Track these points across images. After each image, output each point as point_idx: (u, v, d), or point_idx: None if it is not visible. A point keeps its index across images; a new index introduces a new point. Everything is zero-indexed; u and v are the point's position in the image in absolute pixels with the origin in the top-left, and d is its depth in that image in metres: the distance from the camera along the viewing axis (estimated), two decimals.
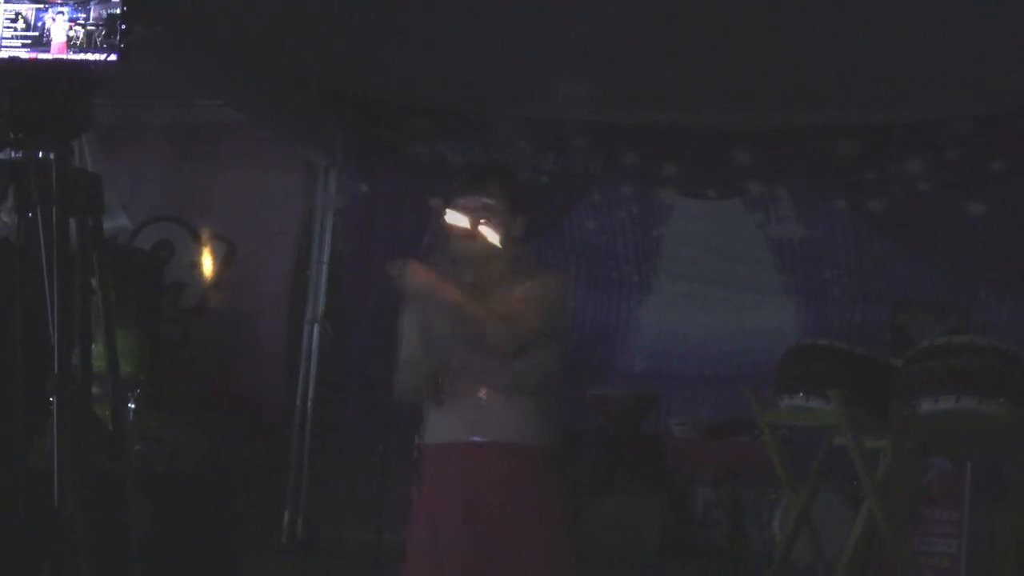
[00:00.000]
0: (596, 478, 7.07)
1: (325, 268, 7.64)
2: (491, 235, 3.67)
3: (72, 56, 2.33)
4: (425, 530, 3.61)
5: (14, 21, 2.32)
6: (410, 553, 3.70)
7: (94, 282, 2.50)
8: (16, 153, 2.33)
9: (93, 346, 2.40)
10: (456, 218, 3.64)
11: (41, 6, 2.34)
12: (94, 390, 2.40)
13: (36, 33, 2.34)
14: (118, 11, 2.35)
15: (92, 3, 2.35)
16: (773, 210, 7.56)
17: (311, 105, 7.47)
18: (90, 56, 2.34)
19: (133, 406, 5.41)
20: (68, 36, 2.33)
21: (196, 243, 7.85)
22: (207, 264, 7.81)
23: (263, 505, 6.91)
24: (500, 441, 3.63)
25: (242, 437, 7.07)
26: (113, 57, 2.34)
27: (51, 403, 2.23)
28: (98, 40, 2.33)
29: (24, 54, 2.33)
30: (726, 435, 7.13)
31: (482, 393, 3.62)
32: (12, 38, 2.31)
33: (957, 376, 5.12)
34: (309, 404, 7.43)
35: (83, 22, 2.34)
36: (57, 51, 2.33)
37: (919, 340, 5.72)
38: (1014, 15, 5.33)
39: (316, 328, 7.57)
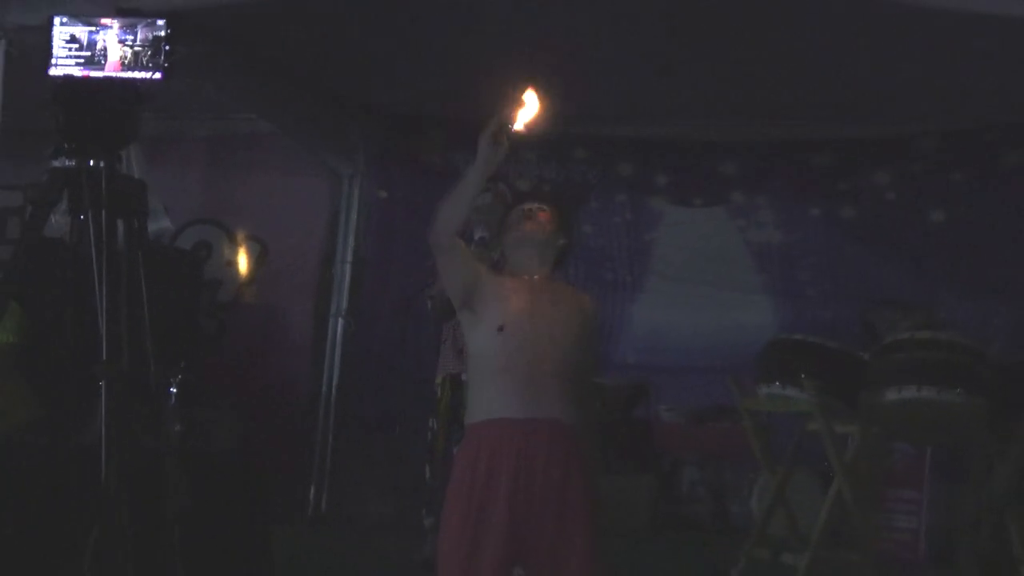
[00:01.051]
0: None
1: (348, 267, 7.61)
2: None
3: (121, 74, 2.33)
4: (468, 503, 3.54)
5: (69, 42, 2.33)
6: (450, 524, 3.69)
7: None
8: (70, 161, 2.34)
9: None
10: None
11: (93, 28, 2.35)
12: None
13: (89, 53, 2.35)
14: (163, 33, 2.36)
15: (140, 25, 2.35)
16: (754, 217, 7.56)
17: (336, 117, 7.47)
18: (137, 74, 2.35)
19: (175, 390, 5.39)
20: (120, 56, 2.33)
21: (232, 243, 7.87)
22: (242, 263, 7.83)
23: (291, 482, 6.90)
24: (556, 419, 3.66)
25: (272, 420, 7.08)
26: (158, 75, 2.35)
27: (100, 388, 2.24)
28: (145, 60, 2.33)
29: (78, 72, 2.34)
30: (710, 421, 7.09)
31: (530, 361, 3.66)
32: (67, 57, 2.31)
33: (919, 368, 5.11)
34: (333, 391, 7.42)
35: (131, 43, 2.34)
36: (109, 69, 2.34)
37: (885, 335, 5.68)
38: (976, 37, 5.28)
39: (340, 322, 7.56)
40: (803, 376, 5.32)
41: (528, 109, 3.73)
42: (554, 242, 3.81)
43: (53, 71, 2.29)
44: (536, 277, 3.77)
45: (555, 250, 3.84)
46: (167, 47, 2.33)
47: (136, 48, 2.36)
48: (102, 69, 2.29)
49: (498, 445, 3.56)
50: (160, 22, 2.32)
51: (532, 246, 3.78)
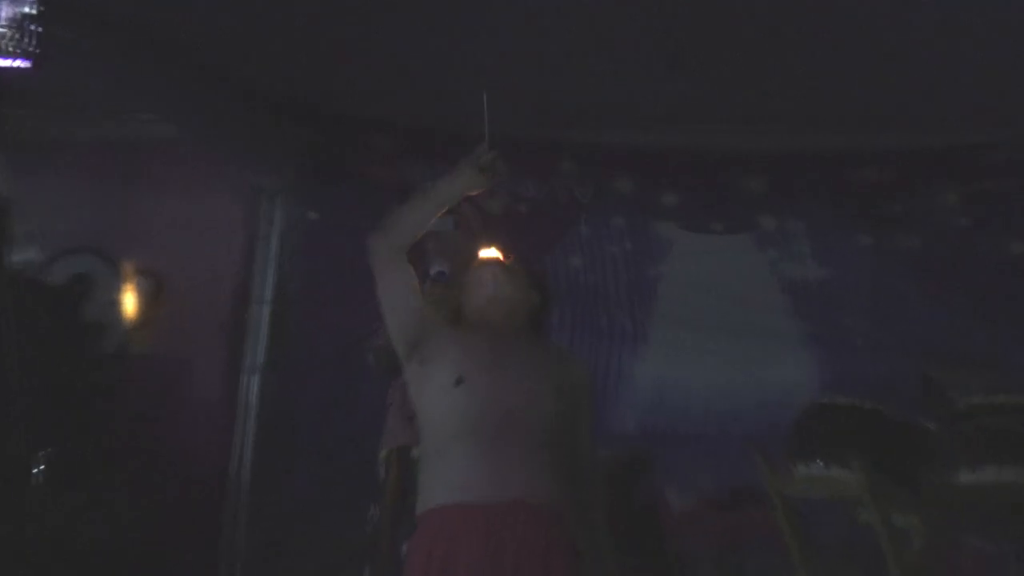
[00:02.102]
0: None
1: (269, 309, 7.66)
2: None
3: None
4: None
5: None
6: None
7: None
8: None
9: None
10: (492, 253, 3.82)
11: None
12: None
13: None
14: (32, 10, 2.34)
15: (1, 3, 2.33)
16: (787, 247, 7.64)
17: (256, 120, 7.47)
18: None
19: (43, 468, 5.36)
20: None
21: (119, 278, 7.82)
22: (131, 303, 7.79)
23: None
24: (532, 501, 3.63)
25: (171, 504, 6.99)
26: (25, 63, 2.32)
27: None
28: (7, 44, 2.30)
29: None
30: (731, 505, 7.12)
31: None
32: None
33: (999, 442, 5.16)
34: (247, 467, 7.41)
35: None
36: None
37: (956, 399, 5.72)
38: None
39: (257, 378, 7.58)
40: (851, 452, 5.35)
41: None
42: (524, 302, 3.85)
43: None
44: (504, 331, 3.79)
45: (526, 308, 3.89)
46: (38, 28, 2.30)
47: None
48: None
49: (458, 539, 3.54)
50: None
51: (496, 312, 3.81)
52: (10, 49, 2.34)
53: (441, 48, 6.39)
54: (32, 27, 2.33)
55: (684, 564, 7.16)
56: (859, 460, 5.33)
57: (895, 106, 6.93)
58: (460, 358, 3.69)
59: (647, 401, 7.60)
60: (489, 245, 4.20)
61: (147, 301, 7.81)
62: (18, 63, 2.28)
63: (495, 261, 3.97)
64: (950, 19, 5.60)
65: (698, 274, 7.65)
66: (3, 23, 2.34)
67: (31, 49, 2.33)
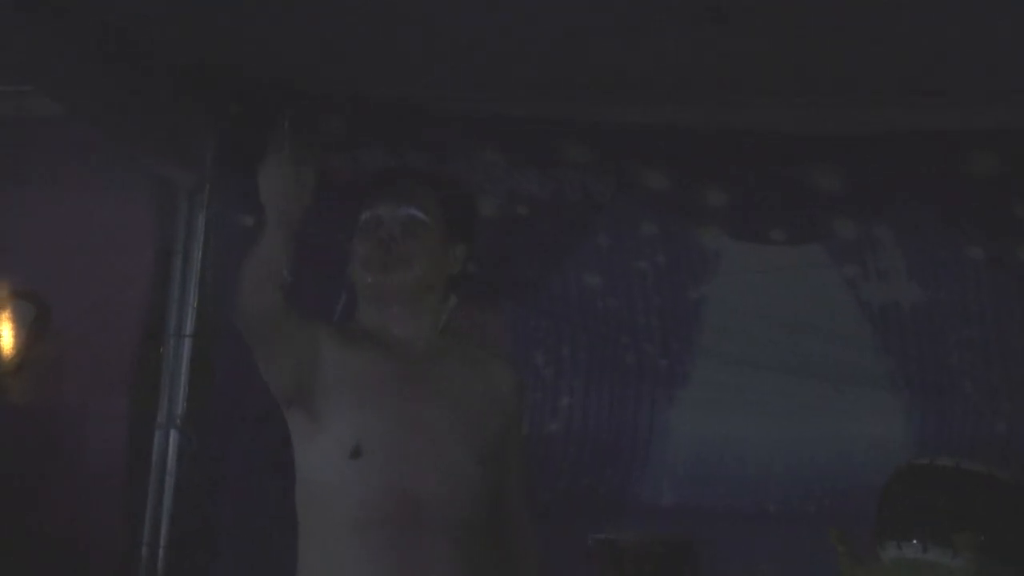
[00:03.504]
0: None
1: (188, 343, 7.69)
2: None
3: None
4: None
5: None
6: None
7: None
8: None
9: None
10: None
11: None
12: None
13: None
14: None
15: None
16: (873, 261, 7.66)
17: (170, 93, 7.51)
18: None
19: None
20: None
21: None
22: (4, 336, 7.83)
23: None
24: None
25: None
26: None
27: None
28: None
29: None
30: None
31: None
32: None
33: None
34: (160, 551, 7.39)
35: None
36: None
37: None
38: None
39: (173, 435, 7.57)
40: (956, 528, 5.44)
41: None
42: (438, 278, 3.88)
43: None
44: (412, 343, 3.83)
45: (442, 289, 3.92)
46: None
47: None
48: None
49: None
50: None
51: (394, 301, 3.86)
52: None
53: (408, 6, 6.43)
54: None
55: None
56: (966, 538, 5.41)
57: (1017, 74, 6.90)
58: (358, 412, 3.71)
59: (688, 464, 7.64)
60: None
61: (26, 334, 7.84)
62: None
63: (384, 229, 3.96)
64: None
65: (753, 296, 7.68)
66: None
67: None
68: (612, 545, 7.21)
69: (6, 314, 7.84)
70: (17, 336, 7.82)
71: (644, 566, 7.22)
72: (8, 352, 7.83)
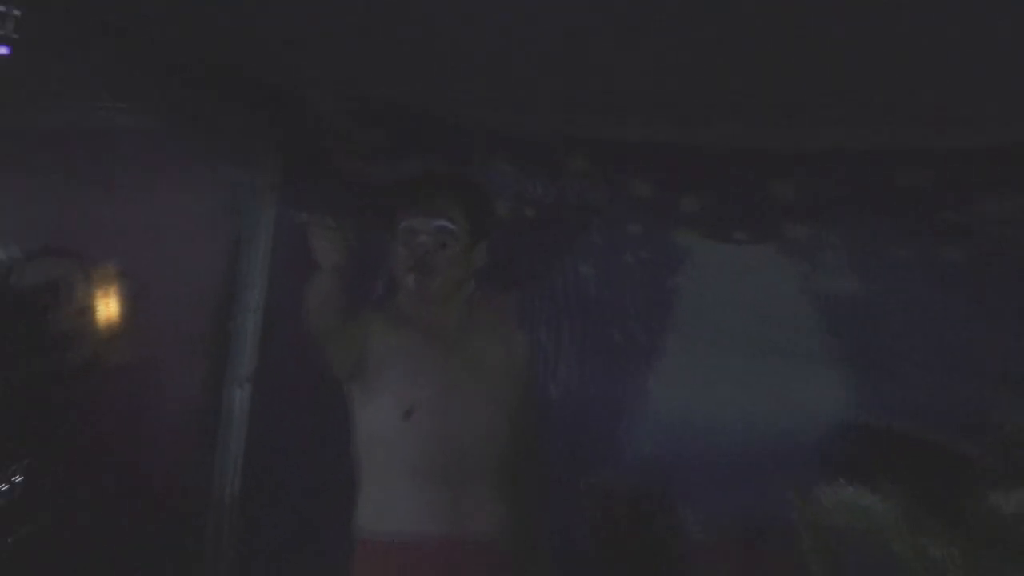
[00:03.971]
0: None
1: (255, 318, 7.68)
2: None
3: None
4: None
5: None
6: None
7: None
8: None
9: None
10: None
11: None
12: None
13: None
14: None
15: None
16: (821, 258, 7.68)
17: (240, 105, 7.43)
18: None
19: (17, 480, 5.34)
20: None
21: (89, 283, 7.81)
22: (103, 310, 7.80)
23: None
24: (472, 540, 3.71)
25: (146, 532, 7.03)
26: (3, 50, 2.41)
27: None
28: None
29: None
30: (757, 539, 7.13)
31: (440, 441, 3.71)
32: None
33: None
34: (233, 491, 7.39)
35: None
36: None
37: (1006, 424, 5.76)
38: None
39: (239, 392, 7.59)
40: (885, 478, 5.43)
41: None
42: (465, 274, 3.85)
43: None
44: (445, 324, 3.82)
45: (470, 278, 3.90)
46: (11, 14, 2.38)
47: None
48: None
49: None
50: None
51: (429, 298, 3.84)
52: None
53: (433, 24, 6.30)
54: (10, 11, 2.40)
55: None
56: (894, 487, 5.40)
57: (953, 98, 6.86)
58: (408, 381, 3.73)
59: (665, 423, 7.62)
60: None
61: (122, 309, 7.82)
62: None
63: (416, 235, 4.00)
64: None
65: (719, 287, 7.70)
66: None
67: (10, 34, 2.42)
68: (604, 489, 7.22)
69: (114, 288, 7.79)
70: (113, 310, 7.79)
71: (629, 505, 7.22)
72: (106, 324, 7.79)
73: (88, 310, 7.79)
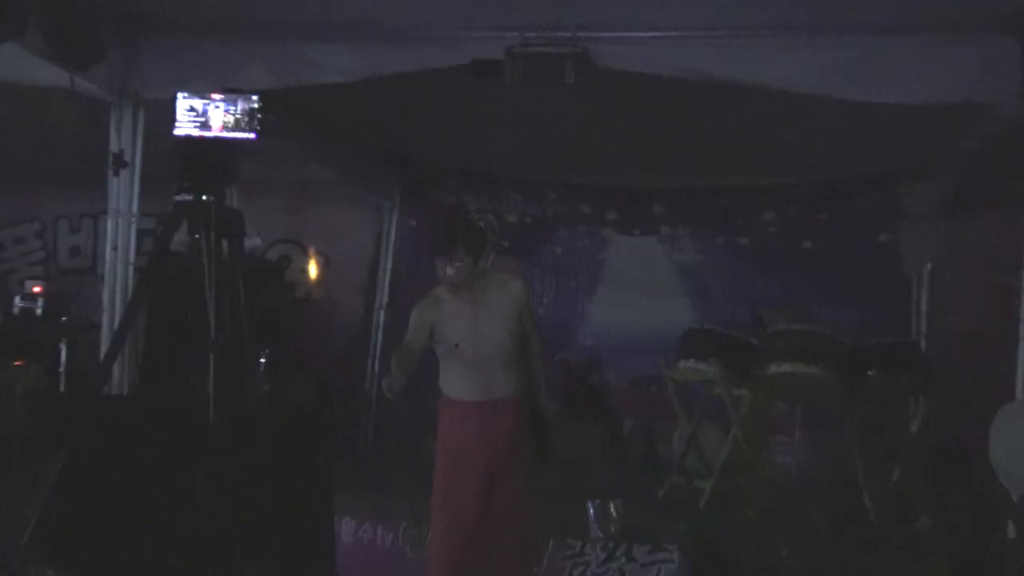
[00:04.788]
0: (562, 413, 7.01)
1: (388, 274, 7.53)
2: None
3: (225, 134, 2.32)
4: (449, 463, 3.59)
5: (188, 111, 2.32)
6: (438, 475, 3.64)
7: None
8: (188, 197, 2.33)
9: None
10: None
11: (206, 101, 2.34)
12: None
13: (202, 119, 2.34)
14: (256, 105, 2.35)
15: (239, 99, 2.34)
16: (677, 244, 7.49)
17: (379, 167, 7.33)
18: (237, 135, 2.33)
19: (264, 361, 5.25)
20: (223, 121, 2.32)
21: (305, 256, 7.72)
22: (312, 270, 7.68)
23: (346, 425, 6.80)
24: (504, 400, 3.61)
25: (334, 380, 6.93)
26: (252, 136, 2.33)
27: (210, 359, 2.23)
28: (243, 124, 2.31)
29: (195, 132, 2.33)
30: (644, 386, 6.95)
31: (479, 360, 3.54)
32: (187, 122, 2.30)
33: (792, 350, 5.13)
34: (376, 360, 7.30)
35: (233, 112, 2.33)
36: (216, 131, 2.32)
37: (770, 327, 5.67)
38: (837, 118, 5.17)
39: (381, 313, 7.47)
40: (711, 354, 5.34)
41: None
42: (471, 268, 3.56)
43: (177, 131, 2.28)
44: (469, 291, 3.62)
45: (480, 270, 3.62)
46: (260, 115, 2.31)
47: (236, 116, 2.34)
48: (211, 130, 2.28)
49: (463, 419, 3.57)
50: (254, 97, 2.30)
51: (456, 288, 3.65)
52: (244, 127, 2.33)
53: (479, 130, 6.22)
54: (257, 115, 2.31)
55: (618, 420, 7.11)
56: (715, 359, 5.29)
57: (738, 161, 6.74)
58: (452, 331, 3.58)
59: (598, 327, 7.48)
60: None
61: (320, 270, 7.68)
62: (248, 135, 2.28)
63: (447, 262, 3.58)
64: (770, 112, 5.34)
65: (625, 259, 7.52)
66: (240, 112, 2.34)
67: (256, 127, 2.32)
68: (567, 361, 7.07)
69: (312, 260, 7.66)
70: (316, 270, 7.67)
71: (579, 369, 7.07)
72: (313, 277, 7.67)
73: (303, 271, 7.67)
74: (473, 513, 3.54)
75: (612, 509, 4.39)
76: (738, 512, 4.94)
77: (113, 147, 4.66)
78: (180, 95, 2.27)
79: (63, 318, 6.32)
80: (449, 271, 3.53)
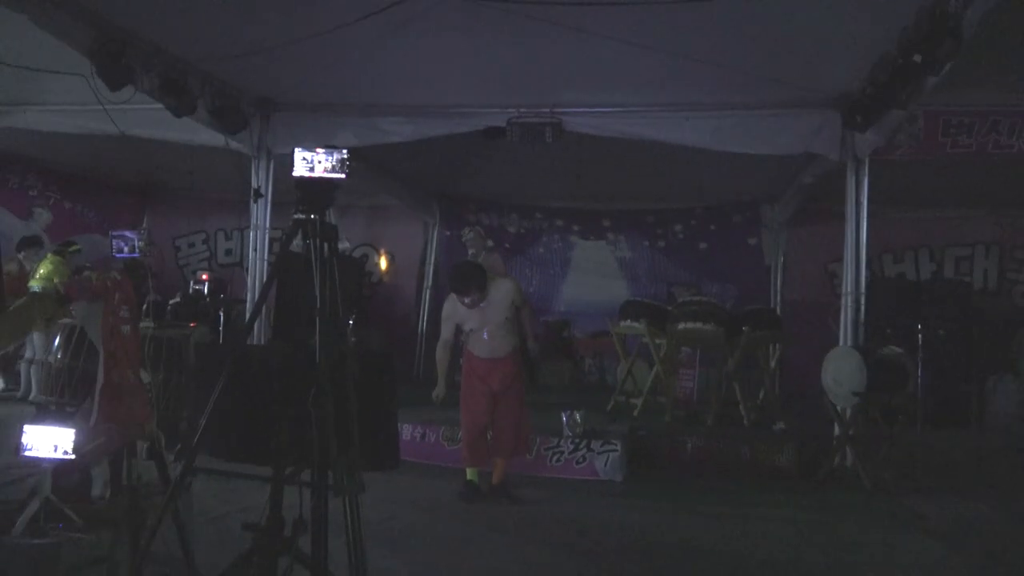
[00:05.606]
0: (543, 356, 6.99)
1: (432, 267, 7.42)
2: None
3: (326, 175, 2.28)
4: (470, 387, 3.61)
5: (302, 160, 2.28)
6: (463, 393, 3.66)
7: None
8: (302, 215, 2.29)
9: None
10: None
11: (313, 153, 2.29)
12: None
13: (311, 164, 2.29)
14: (345, 156, 2.30)
15: (335, 152, 2.29)
16: (619, 245, 7.41)
17: (426, 197, 7.21)
18: (334, 175, 2.29)
19: (352, 323, 5.18)
20: (324, 166, 2.28)
21: (378, 255, 7.61)
22: (382, 264, 7.59)
23: (404, 365, 6.72)
24: (503, 356, 3.60)
25: (397, 336, 6.90)
26: (343, 176, 2.29)
27: (316, 323, 2.20)
28: (337, 168, 2.28)
29: (306, 174, 2.29)
30: (599, 337, 6.96)
31: (487, 335, 3.53)
32: (301, 167, 2.26)
33: (693, 313, 5.10)
34: (424, 323, 7.23)
35: (331, 160, 2.28)
36: (320, 172, 2.28)
37: (677, 297, 5.66)
38: (723, 161, 5.00)
39: (428, 292, 7.37)
40: (642, 316, 5.32)
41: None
42: (482, 294, 3.49)
43: (294, 173, 2.25)
44: (481, 306, 3.54)
45: (487, 287, 3.52)
46: (348, 163, 2.27)
47: (333, 163, 2.30)
48: (316, 172, 2.24)
49: (480, 365, 3.60)
50: (345, 151, 2.26)
51: (471, 305, 3.51)
52: (338, 170, 2.29)
53: (490, 173, 6.14)
54: (346, 162, 2.26)
55: (581, 359, 7.09)
56: (645, 319, 5.27)
57: (657, 193, 6.73)
58: (470, 322, 3.56)
59: (568, 301, 7.39)
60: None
61: (388, 264, 7.58)
62: (341, 176, 2.24)
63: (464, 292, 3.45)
64: (674, 158, 5.20)
65: (586, 256, 7.43)
66: (336, 161, 2.29)
67: (345, 170, 2.27)
68: (545, 323, 7.00)
69: (383, 258, 7.54)
70: (386, 264, 7.55)
71: (556, 328, 7.02)
72: (383, 269, 7.54)
73: (377, 264, 7.57)
74: (484, 417, 3.62)
75: (577, 417, 4.39)
76: (658, 419, 4.96)
77: (254, 184, 4.78)
78: (296, 150, 2.23)
79: (221, 295, 6.44)
80: (466, 301, 3.51)
